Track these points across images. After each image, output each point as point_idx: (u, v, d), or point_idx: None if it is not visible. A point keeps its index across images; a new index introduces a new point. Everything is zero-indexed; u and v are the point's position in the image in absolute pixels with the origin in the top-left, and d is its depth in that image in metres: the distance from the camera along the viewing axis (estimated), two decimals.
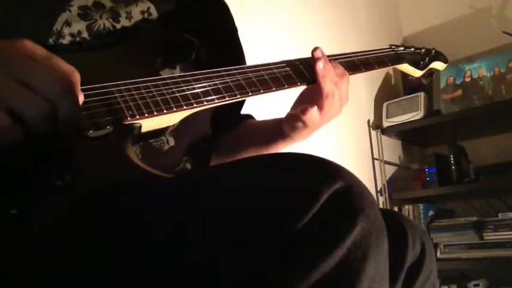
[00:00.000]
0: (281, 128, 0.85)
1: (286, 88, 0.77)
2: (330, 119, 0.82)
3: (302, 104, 0.81)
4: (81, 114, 0.55)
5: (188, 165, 0.78)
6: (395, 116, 2.50)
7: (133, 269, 0.47)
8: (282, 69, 0.79)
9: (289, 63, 0.82)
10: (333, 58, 0.87)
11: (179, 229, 0.47)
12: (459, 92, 2.45)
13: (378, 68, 0.92)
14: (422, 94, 2.46)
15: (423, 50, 1.07)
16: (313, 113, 0.78)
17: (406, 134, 2.60)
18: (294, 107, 0.86)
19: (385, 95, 2.63)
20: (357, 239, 0.44)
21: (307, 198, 0.44)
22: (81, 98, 0.53)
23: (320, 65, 0.80)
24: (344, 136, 2.22)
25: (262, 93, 0.74)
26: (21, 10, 0.65)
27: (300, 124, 0.80)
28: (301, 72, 0.81)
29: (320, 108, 0.79)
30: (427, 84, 2.32)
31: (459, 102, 2.43)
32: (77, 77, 0.51)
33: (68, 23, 0.67)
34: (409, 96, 2.52)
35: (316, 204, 0.43)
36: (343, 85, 0.82)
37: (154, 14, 0.76)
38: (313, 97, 0.81)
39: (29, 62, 0.48)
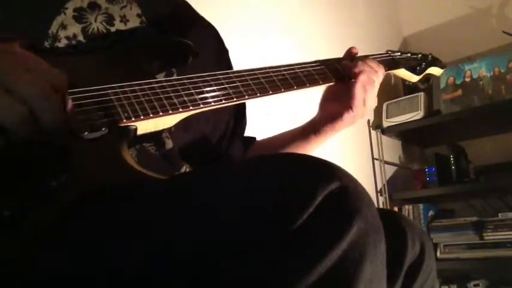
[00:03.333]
0: (316, 128, 0.91)
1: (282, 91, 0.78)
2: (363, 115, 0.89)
3: (332, 102, 0.89)
4: (75, 115, 0.54)
5: (188, 169, 0.78)
6: (395, 116, 2.50)
7: (133, 268, 0.47)
8: (278, 73, 0.80)
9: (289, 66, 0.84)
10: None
11: (174, 229, 0.47)
12: (459, 92, 2.45)
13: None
14: (422, 94, 2.45)
15: (420, 56, 1.08)
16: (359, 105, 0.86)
17: (406, 134, 2.60)
18: (324, 107, 0.92)
19: (385, 95, 2.62)
20: (353, 240, 0.43)
21: (302, 199, 0.44)
22: (69, 103, 0.52)
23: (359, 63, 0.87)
24: (344, 136, 2.21)
25: (259, 96, 0.75)
26: (18, 14, 0.65)
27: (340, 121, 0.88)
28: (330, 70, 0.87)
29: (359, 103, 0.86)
30: (425, 88, 2.33)
31: (459, 102, 2.43)
32: (60, 80, 0.51)
33: (63, 26, 0.67)
34: (409, 96, 2.51)
35: (311, 205, 0.43)
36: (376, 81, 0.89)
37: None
38: (340, 96, 0.87)
39: (6, 64, 0.48)
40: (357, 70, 0.87)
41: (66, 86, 0.52)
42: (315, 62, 0.88)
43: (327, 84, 0.88)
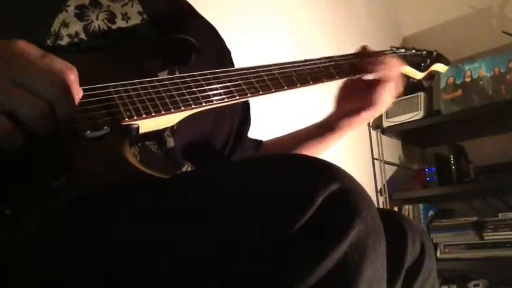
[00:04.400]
0: (331, 125, 0.91)
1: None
2: (380, 111, 0.89)
3: (349, 99, 0.90)
4: (78, 114, 0.55)
5: (190, 168, 0.77)
6: (395, 116, 2.49)
7: (133, 268, 0.47)
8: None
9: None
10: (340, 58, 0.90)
11: (175, 229, 0.47)
12: (459, 92, 2.45)
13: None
14: (422, 94, 2.45)
15: (424, 52, 1.07)
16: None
17: (406, 134, 2.60)
18: (340, 103, 0.92)
19: None
20: (353, 241, 0.43)
21: (303, 200, 0.44)
22: (79, 95, 0.53)
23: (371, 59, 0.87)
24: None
25: (262, 94, 0.74)
26: (20, 12, 0.65)
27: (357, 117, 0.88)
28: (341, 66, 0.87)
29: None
30: (428, 86, 2.32)
31: (459, 102, 2.43)
32: (73, 73, 0.51)
33: (65, 24, 0.67)
34: (409, 96, 2.51)
35: (312, 207, 0.43)
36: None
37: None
38: (357, 92, 0.88)
39: (25, 63, 0.49)
40: (379, 67, 0.87)
41: (78, 79, 0.53)
42: (320, 58, 0.88)
43: (331, 81, 0.87)
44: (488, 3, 2.63)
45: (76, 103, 0.53)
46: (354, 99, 0.90)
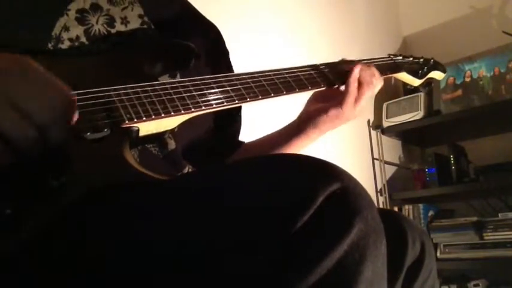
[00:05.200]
0: (298, 128, 0.90)
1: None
2: (349, 118, 0.87)
3: (319, 102, 0.88)
4: (78, 109, 0.54)
5: (190, 169, 0.78)
6: (395, 116, 2.50)
7: (133, 268, 0.47)
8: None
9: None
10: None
11: (176, 229, 0.47)
12: (459, 92, 2.45)
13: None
14: (422, 94, 2.45)
15: (421, 60, 1.08)
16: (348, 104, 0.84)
17: (406, 134, 2.60)
18: (308, 105, 0.91)
19: (385, 95, 2.63)
20: (354, 241, 0.43)
21: (304, 200, 0.44)
22: (75, 117, 0.53)
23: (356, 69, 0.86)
24: (344, 136, 2.22)
25: (261, 99, 0.75)
26: (21, 15, 0.65)
27: (324, 117, 0.86)
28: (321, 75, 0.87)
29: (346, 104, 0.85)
30: (426, 92, 2.33)
31: (459, 102, 2.43)
32: (71, 99, 0.51)
33: (66, 28, 0.67)
34: (409, 96, 2.51)
35: (312, 206, 0.43)
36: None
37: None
38: (331, 96, 0.87)
39: (24, 84, 0.48)
40: (354, 68, 0.87)
41: (75, 102, 0.52)
42: (315, 65, 0.88)
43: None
44: (488, 3, 2.63)
45: (72, 123, 0.52)
46: (325, 102, 0.88)
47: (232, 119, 0.93)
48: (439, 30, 2.77)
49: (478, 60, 2.44)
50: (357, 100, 0.86)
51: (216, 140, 0.90)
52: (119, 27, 0.72)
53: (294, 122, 0.93)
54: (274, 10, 2.02)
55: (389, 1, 2.96)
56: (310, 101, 0.92)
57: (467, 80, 2.45)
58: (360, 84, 0.86)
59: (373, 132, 2.50)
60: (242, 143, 0.98)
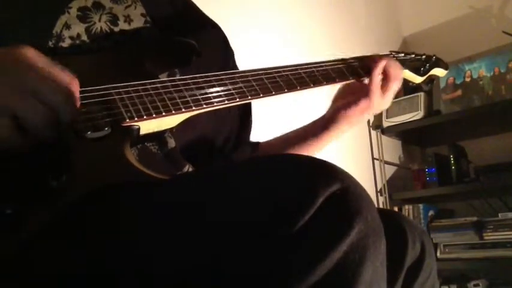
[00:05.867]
0: (327, 121, 0.92)
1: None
2: (377, 111, 0.91)
3: (346, 95, 0.91)
4: (79, 116, 0.55)
5: (190, 168, 0.77)
6: (395, 116, 2.50)
7: (133, 268, 0.47)
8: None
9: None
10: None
11: (175, 229, 0.47)
12: (459, 92, 2.45)
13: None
14: (422, 94, 2.45)
15: (424, 57, 1.07)
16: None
17: (406, 134, 2.60)
18: (336, 99, 0.94)
19: None
20: (353, 242, 0.44)
21: (303, 201, 0.44)
22: (78, 103, 0.54)
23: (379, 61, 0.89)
24: (344, 136, 2.21)
25: (262, 97, 0.75)
26: (22, 13, 0.65)
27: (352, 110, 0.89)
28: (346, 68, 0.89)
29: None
30: (428, 90, 2.32)
31: (459, 102, 2.43)
32: (76, 85, 0.53)
33: (67, 26, 0.67)
34: (409, 96, 2.51)
35: (312, 207, 0.43)
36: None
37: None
38: (358, 89, 0.89)
39: (34, 71, 0.50)
40: (379, 62, 0.89)
41: (78, 87, 0.54)
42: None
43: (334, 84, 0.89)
44: (488, 3, 2.63)
45: (78, 112, 0.54)
46: (353, 95, 0.91)
47: (243, 123, 0.94)
48: (439, 30, 2.76)
49: (478, 60, 2.44)
50: (384, 91, 0.89)
51: (233, 145, 0.91)
52: (123, 25, 0.72)
53: (322, 117, 0.95)
54: (274, 10, 2.02)
55: (389, 1, 2.96)
56: (337, 96, 0.94)
57: (467, 80, 2.45)
58: (386, 76, 0.90)
59: (373, 132, 2.50)
60: (257, 144, 0.98)
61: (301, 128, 0.97)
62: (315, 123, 0.95)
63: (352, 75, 0.88)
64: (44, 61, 0.52)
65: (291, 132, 0.98)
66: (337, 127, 0.92)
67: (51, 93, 0.50)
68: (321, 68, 0.84)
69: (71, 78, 0.53)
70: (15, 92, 0.49)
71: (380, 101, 0.89)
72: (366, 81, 0.90)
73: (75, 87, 0.53)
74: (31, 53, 0.52)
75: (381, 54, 0.97)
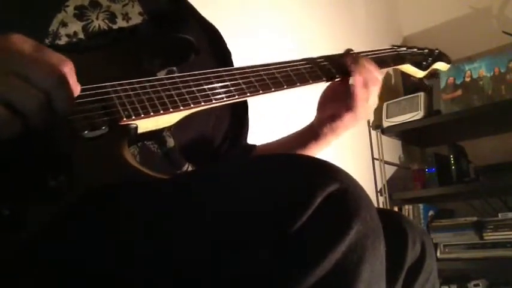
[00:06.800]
0: (314, 132, 0.89)
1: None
2: (361, 119, 0.87)
3: (330, 103, 0.87)
4: (75, 113, 0.54)
5: (190, 168, 0.77)
6: (395, 116, 2.50)
7: (133, 268, 0.47)
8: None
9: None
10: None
11: (174, 229, 0.47)
12: (459, 92, 2.45)
13: (380, 69, 0.91)
14: (422, 94, 2.45)
15: (426, 51, 1.05)
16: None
17: (406, 134, 2.60)
18: (322, 108, 0.90)
19: (385, 95, 2.62)
20: (352, 242, 0.43)
21: (301, 201, 0.43)
22: (78, 89, 0.53)
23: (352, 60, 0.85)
24: (344, 136, 2.21)
25: (261, 93, 0.74)
26: (18, 11, 0.65)
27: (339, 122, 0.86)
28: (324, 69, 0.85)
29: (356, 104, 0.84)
30: (429, 85, 2.31)
31: (459, 102, 2.43)
32: (68, 65, 0.51)
33: (63, 24, 0.67)
34: (409, 96, 2.51)
35: (310, 207, 0.43)
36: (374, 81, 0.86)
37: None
38: (340, 96, 0.86)
39: (21, 55, 0.49)
40: (354, 67, 0.85)
41: (73, 72, 0.53)
42: (317, 58, 0.87)
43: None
44: (488, 3, 2.63)
45: (75, 95, 0.52)
46: (336, 102, 0.87)
47: (240, 122, 0.92)
48: (439, 30, 2.76)
49: (478, 60, 2.44)
50: (366, 99, 0.85)
51: (229, 145, 0.90)
52: (121, 23, 0.71)
53: (309, 126, 0.92)
54: (273, 10, 2.02)
55: (389, 1, 2.96)
56: (321, 103, 0.91)
57: (467, 80, 2.45)
58: (365, 84, 0.85)
59: (373, 132, 2.50)
60: (254, 146, 0.97)
61: (288, 137, 0.96)
62: (301, 133, 0.93)
63: (324, 76, 0.84)
64: (31, 44, 0.50)
65: (280, 139, 0.97)
66: (324, 139, 0.90)
67: (40, 75, 0.49)
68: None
69: (61, 60, 0.51)
70: (3, 77, 0.47)
71: (365, 110, 0.85)
72: (350, 80, 0.86)
73: (68, 68, 0.51)
74: (17, 38, 0.50)
75: (354, 51, 0.92)
